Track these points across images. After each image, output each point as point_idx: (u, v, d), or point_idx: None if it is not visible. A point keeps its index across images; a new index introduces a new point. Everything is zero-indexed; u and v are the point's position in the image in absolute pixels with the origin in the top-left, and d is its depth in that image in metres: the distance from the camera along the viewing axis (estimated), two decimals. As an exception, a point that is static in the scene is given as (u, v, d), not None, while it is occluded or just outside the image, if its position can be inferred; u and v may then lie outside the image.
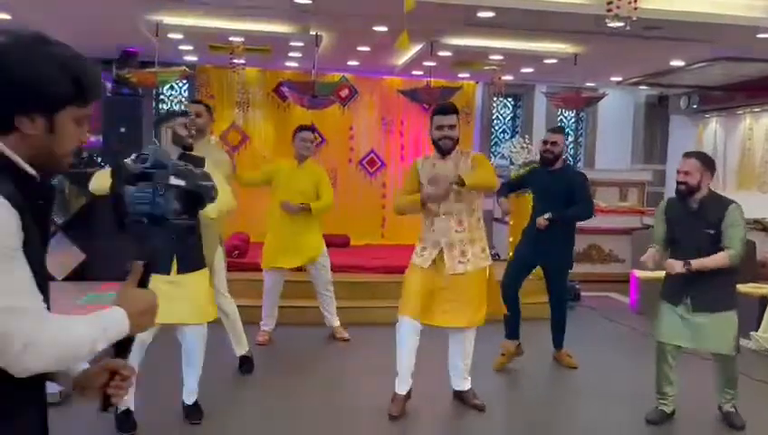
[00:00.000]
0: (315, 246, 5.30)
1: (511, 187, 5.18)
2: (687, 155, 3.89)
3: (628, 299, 7.30)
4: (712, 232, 3.67)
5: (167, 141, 3.48)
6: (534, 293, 5.62)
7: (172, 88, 8.89)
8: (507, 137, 9.70)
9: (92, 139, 8.22)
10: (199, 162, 3.51)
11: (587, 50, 6.70)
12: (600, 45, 6.44)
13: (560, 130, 4.96)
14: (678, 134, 9.62)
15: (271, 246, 5.28)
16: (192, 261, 3.50)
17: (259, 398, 4.19)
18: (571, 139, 10.09)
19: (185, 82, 8.65)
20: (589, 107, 8.57)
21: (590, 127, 9.91)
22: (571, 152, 10.09)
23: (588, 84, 8.94)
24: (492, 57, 7.06)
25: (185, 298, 3.42)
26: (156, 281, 2.86)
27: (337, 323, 5.57)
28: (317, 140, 5.45)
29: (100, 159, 8.23)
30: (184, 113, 3.58)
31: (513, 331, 4.90)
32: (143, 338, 3.44)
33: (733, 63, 6.87)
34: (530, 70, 7.88)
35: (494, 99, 9.65)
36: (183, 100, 8.95)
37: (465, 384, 4.08)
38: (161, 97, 8.94)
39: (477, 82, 9.10)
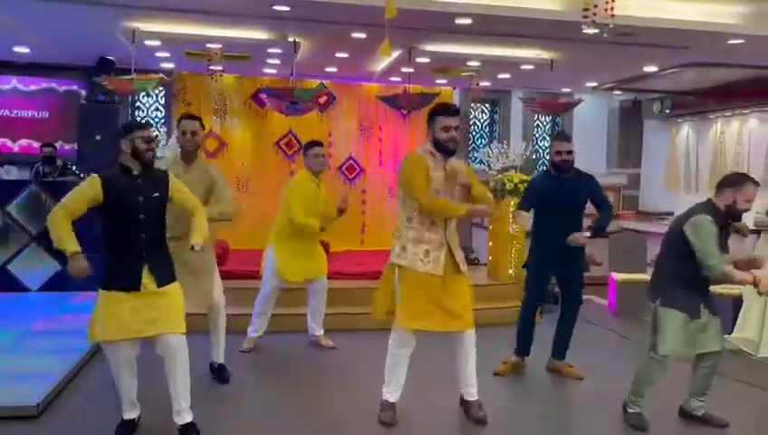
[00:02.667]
0: (324, 262, 5.49)
1: (531, 201, 4.73)
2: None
3: (606, 302, 7.39)
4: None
5: (125, 156, 3.40)
6: (512, 298, 5.67)
7: (148, 95, 8.80)
8: (485, 142, 9.78)
9: (67, 147, 8.13)
10: (162, 176, 3.50)
11: (563, 56, 6.79)
12: (575, 51, 6.53)
13: (570, 137, 4.84)
14: (652, 138, 9.78)
15: (290, 258, 5.23)
16: (167, 273, 3.48)
17: (243, 406, 4.14)
18: (547, 144, 10.20)
19: (161, 89, 8.57)
20: (565, 112, 8.67)
21: (567, 132, 10.01)
22: (548, 157, 10.19)
23: (564, 90, 9.06)
24: (469, 63, 7.12)
25: (165, 310, 3.39)
26: (130, 298, 3.06)
27: (321, 332, 5.56)
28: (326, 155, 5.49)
29: (74, 168, 8.12)
30: (143, 126, 3.49)
31: (526, 347, 4.85)
32: (127, 356, 3.42)
33: (704, 69, 7.01)
34: (507, 76, 7.96)
35: (472, 105, 9.72)
36: (160, 107, 8.88)
37: (471, 395, 3.91)
38: (138, 104, 8.85)
39: (455, 88, 9.16)
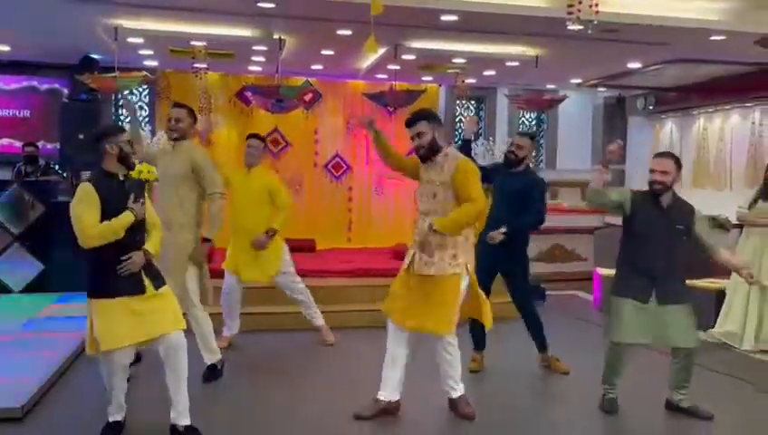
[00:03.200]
0: (275, 259, 5.23)
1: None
2: (663, 155, 4.03)
3: (591, 297, 7.44)
4: (682, 227, 3.87)
5: (110, 160, 3.34)
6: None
7: (132, 93, 8.72)
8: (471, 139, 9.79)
9: (49, 146, 8.04)
10: (141, 181, 3.44)
11: (548, 53, 6.82)
12: (560, 48, 6.56)
13: (529, 135, 4.88)
14: (636, 134, 9.86)
15: (234, 253, 5.25)
16: (159, 275, 3.50)
17: (229, 405, 4.13)
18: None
19: (145, 87, 8.49)
20: (550, 109, 8.72)
21: (551, 128, 10.09)
22: (533, 153, 10.24)
23: (548, 86, 9.11)
24: (455, 60, 7.13)
25: (164, 310, 3.41)
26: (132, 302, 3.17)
27: (321, 322, 5.51)
28: (261, 147, 5.39)
29: (57, 167, 8.03)
30: (123, 129, 3.45)
31: (482, 341, 4.90)
32: (122, 361, 3.40)
33: (687, 65, 7.08)
34: (492, 72, 7.98)
35: (458, 101, 9.74)
36: (145, 106, 8.80)
37: (453, 393, 3.94)
38: (121, 102, 8.76)
39: (440, 85, 9.17)
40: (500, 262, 4.72)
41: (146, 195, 3.49)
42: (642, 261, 3.87)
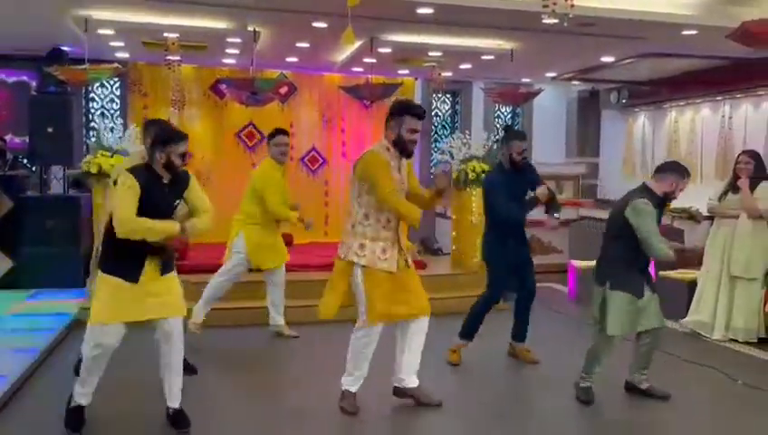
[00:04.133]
0: (285, 249, 5.55)
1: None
2: (686, 174, 4.10)
3: (566, 288, 7.53)
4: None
5: (159, 165, 3.38)
6: (476, 286, 5.72)
7: (103, 86, 8.56)
8: (447, 132, 9.82)
9: (17, 140, 7.85)
10: (185, 179, 3.52)
11: (523, 46, 6.86)
12: (535, 42, 6.60)
13: (525, 135, 5.07)
14: (609, 128, 9.98)
15: (260, 246, 5.30)
16: (169, 265, 3.53)
17: (206, 401, 4.09)
18: (508, 133, 10.31)
19: (117, 79, 8.34)
20: (525, 102, 8.77)
21: (526, 122, 10.15)
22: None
23: (524, 80, 9.16)
24: (431, 53, 7.13)
25: (166, 295, 3.47)
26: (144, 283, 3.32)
27: (283, 321, 5.55)
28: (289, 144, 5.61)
29: (26, 161, 7.86)
30: (181, 138, 3.45)
31: (473, 333, 4.95)
32: (110, 341, 3.40)
33: (659, 59, 7.18)
34: (468, 66, 7.99)
35: (434, 95, 9.74)
36: (116, 98, 8.64)
37: (415, 380, 4.00)
38: (92, 95, 8.60)
39: (417, 79, 9.17)
40: (520, 254, 4.88)
41: (189, 185, 3.53)
42: (641, 259, 4.02)
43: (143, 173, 3.36)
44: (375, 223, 3.76)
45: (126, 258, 3.35)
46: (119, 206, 3.29)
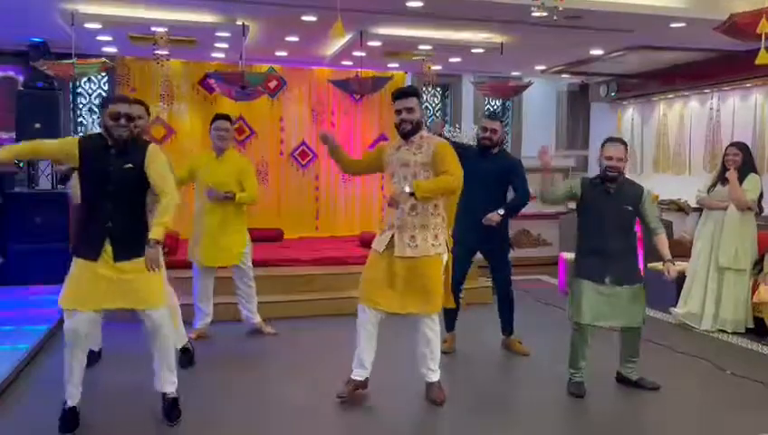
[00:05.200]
0: (241, 243, 5.14)
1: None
2: (617, 141, 4.15)
3: (556, 280, 7.57)
4: (630, 208, 4.08)
5: (104, 127, 3.41)
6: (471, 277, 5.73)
7: (91, 81, 8.49)
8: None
9: (5, 136, 7.77)
10: (142, 147, 3.44)
11: (512, 39, 6.86)
12: (524, 35, 6.60)
13: (498, 117, 4.88)
14: (599, 121, 10.02)
15: (197, 242, 5.10)
16: (132, 247, 3.37)
17: (199, 395, 4.08)
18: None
19: (105, 74, 8.27)
20: (515, 96, 8.78)
21: (516, 115, 10.17)
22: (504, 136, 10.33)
23: (514, 73, 9.17)
24: (421, 47, 7.12)
25: (140, 283, 3.37)
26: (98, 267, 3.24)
27: (258, 318, 5.40)
28: (234, 129, 5.29)
29: (13, 157, 7.79)
30: (118, 99, 3.46)
31: (452, 323, 4.96)
32: (82, 328, 3.33)
33: (648, 52, 7.20)
34: (458, 60, 7.99)
35: (424, 89, 9.74)
36: (104, 93, 8.57)
37: (430, 375, 3.95)
38: (79, 90, 8.53)
39: (407, 73, 9.16)
40: (482, 242, 4.77)
41: (147, 156, 3.40)
42: (595, 243, 4.05)
43: (90, 138, 3.49)
44: (387, 207, 3.85)
45: (86, 236, 3.35)
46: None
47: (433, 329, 3.88)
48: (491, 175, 4.67)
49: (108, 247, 3.32)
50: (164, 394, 3.60)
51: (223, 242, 5.04)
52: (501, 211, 4.63)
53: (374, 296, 3.82)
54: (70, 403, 3.45)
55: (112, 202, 3.33)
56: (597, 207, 4.08)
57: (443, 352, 4.71)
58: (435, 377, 3.96)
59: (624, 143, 4.15)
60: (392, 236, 3.80)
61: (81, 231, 3.40)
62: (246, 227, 5.24)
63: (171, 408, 3.58)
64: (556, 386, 4.25)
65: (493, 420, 3.79)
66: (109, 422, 3.62)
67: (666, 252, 4.13)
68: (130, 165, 3.36)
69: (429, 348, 3.90)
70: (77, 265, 3.35)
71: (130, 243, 3.36)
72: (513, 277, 7.48)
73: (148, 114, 4.33)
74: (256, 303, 5.36)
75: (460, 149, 4.61)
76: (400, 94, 3.82)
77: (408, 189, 3.61)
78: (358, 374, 3.94)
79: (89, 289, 3.31)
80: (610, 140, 4.18)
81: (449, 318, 4.95)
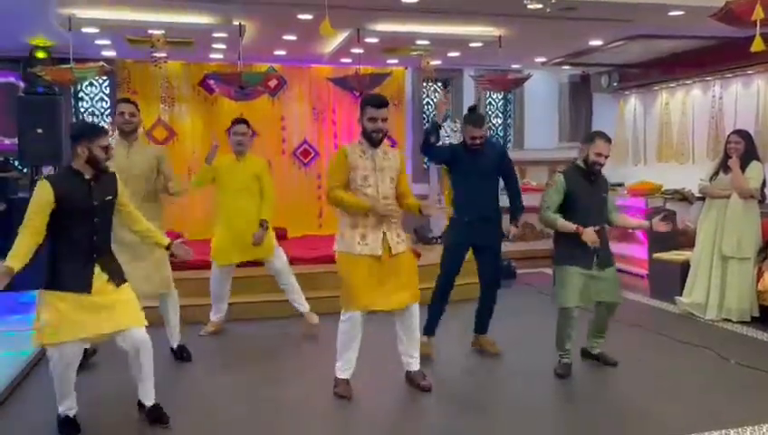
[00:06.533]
0: (269, 242, 5.36)
1: (433, 153, 4.83)
2: (606, 138, 4.32)
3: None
4: (605, 196, 4.44)
5: (81, 161, 3.35)
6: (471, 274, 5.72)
7: (92, 85, 8.53)
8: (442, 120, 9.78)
9: (7, 141, 7.83)
10: (112, 177, 3.51)
11: (510, 32, 6.83)
12: (522, 27, 6.57)
13: (483, 120, 4.77)
14: (601, 112, 9.95)
15: (224, 241, 5.32)
16: (118, 272, 3.49)
17: (204, 393, 4.11)
18: (500, 121, 10.29)
19: (105, 78, 8.31)
20: (516, 88, 8.74)
21: (518, 108, 10.13)
22: (501, 134, 10.30)
23: (514, 66, 9.12)
24: (418, 42, 7.10)
25: (122, 306, 3.41)
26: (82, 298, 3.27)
27: (306, 307, 5.57)
28: (249, 133, 5.47)
29: (16, 163, 7.84)
30: (102, 133, 3.41)
31: (434, 326, 4.83)
32: (70, 358, 3.36)
33: (648, 41, 7.14)
34: (456, 54, 7.96)
35: (425, 84, 9.72)
36: (105, 97, 8.61)
37: (415, 364, 4.13)
38: (81, 95, 8.56)
39: (407, 68, 9.14)
40: (478, 238, 4.70)
41: (118, 185, 3.54)
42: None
43: (60, 176, 3.43)
44: (349, 213, 3.91)
45: (72, 270, 3.27)
46: (27, 214, 3.31)
47: (417, 316, 4.07)
48: (483, 170, 4.68)
49: (101, 277, 3.36)
50: (151, 405, 3.60)
51: (251, 240, 5.22)
52: (520, 225, 4.97)
53: (370, 299, 3.86)
54: (70, 414, 3.48)
55: (97, 234, 3.38)
56: (582, 197, 4.31)
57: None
58: (418, 364, 4.14)
59: (609, 139, 4.36)
60: (383, 237, 3.89)
61: (63, 266, 3.28)
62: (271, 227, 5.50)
63: (160, 413, 3.60)
64: (549, 376, 4.28)
65: (483, 411, 3.79)
66: (109, 423, 3.66)
67: (637, 220, 4.52)
68: (110, 196, 3.46)
69: (414, 336, 4.09)
70: (57, 299, 3.27)
71: (117, 267, 3.48)
72: (518, 271, 7.61)
73: (138, 110, 4.62)
74: (300, 294, 5.58)
75: (454, 150, 4.80)
76: (378, 103, 3.91)
77: (419, 210, 3.97)
78: (347, 373, 4.03)
79: (75, 319, 3.27)
80: (601, 136, 4.30)
81: (436, 321, 4.85)
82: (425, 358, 4.45)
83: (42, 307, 3.31)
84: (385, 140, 4.03)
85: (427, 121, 9.88)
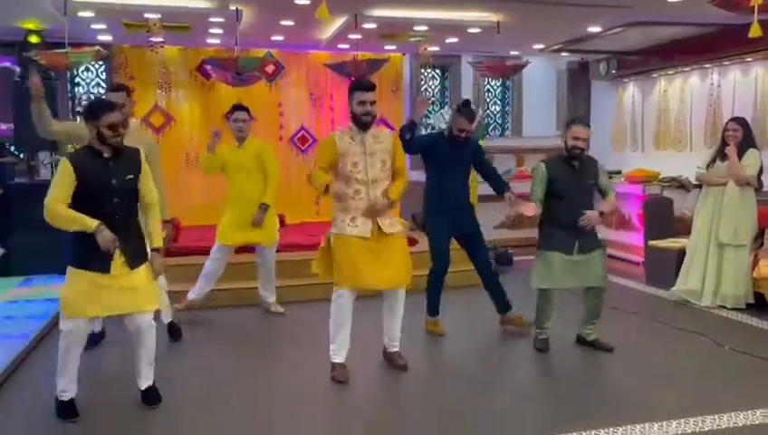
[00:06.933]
0: (273, 226, 5.46)
1: (411, 145, 4.77)
2: (582, 123, 4.47)
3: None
4: (592, 182, 4.48)
5: (94, 140, 3.38)
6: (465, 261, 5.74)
7: (88, 70, 8.48)
8: (437, 108, 9.77)
9: (3, 127, 7.79)
10: (135, 156, 3.52)
11: (509, 18, 6.80)
12: (520, 13, 6.54)
13: (475, 116, 4.97)
14: (600, 99, 9.93)
15: (230, 222, 5.36)
16: (139, 254, 3.50)
17: (196, 376, 4.13)
18: (498, 108, 10.27)
19: (101, 63, 8.27)
20: (514, 75, 8.71)
21: (516, 95, 10.10)
22: (499, 121, 10.28)
23: (512, 52, 9.09)
24: (416, 28, 7.06)
25: (136, 289, 3.44)
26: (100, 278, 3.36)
27: (273, 298, 5.65)
28: (249, 119, 5.49)
29: (12, 148, 7.82)
30: (110, 108, 3.40)
31: (436, 306, 5.05)
32: (80, 335, 3.44)
33: (647, 28, 7.12)
34: (455, 40, 7.93)
35: (423, 70, 9.68)
36: (102, 82, 8.57)
37: (396, 345, 4.29)
38: (77, 80, 8.52)
39: (404, 54, 9.10)
40: (460, 226, 4.95)
41: (141, 165, 3.52)
42: (565, 217, 4.36)
43: (80, 154, 3.40)
44: (344, 197, 4.01)
45: (93, 249, 3.28)
46: (49, 191, 3.29)
47: (402, 300, 4.19)
48: (461, 160, 4.93)
49: (119, 258, 3.38)
50: (146, 387, 3.65)
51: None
52: (510, 193, 4.92)
53: (359, 278, 3.98)
54: (65, 397, 3.49)
55: (118, 213, 3.39)
56: (564, 184, 4.37)
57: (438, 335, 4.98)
58: (397, 346, 4.30)
59: (587, 124, 4.48)
60: (372, 220, 3.99)
61: (85, 245, 3.30)
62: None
63: (154, 395, 3.65)
64: (564, 355, 4.39)
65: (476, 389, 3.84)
66: (108, 404, 3.68)
67: (606, 208, 4.48)
68: (131, 176, 3.46)
69: (397, 319, 4.23)
70: (79, 276, 3.35)
71: (137, 249, 3.49)
72: (514, 258, 7.62)
73: (129, 97, 4.49)
74: (273, 286, 5.66)
75: (434, 139, 4.98)
76: (366, 87, 3.98)
77: (385, 200, 3.99)
78: (342, 357, 4.11)
79: (92, 297, 3.35)
80: (578, 121, 4.48)
81: (437, 303, 5.05)
82: (435, 337, 4.90)
83: (67, 282, 3.40)
84: (377, 124, 4.09)
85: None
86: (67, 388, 3.49)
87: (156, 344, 3.65)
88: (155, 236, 3.58)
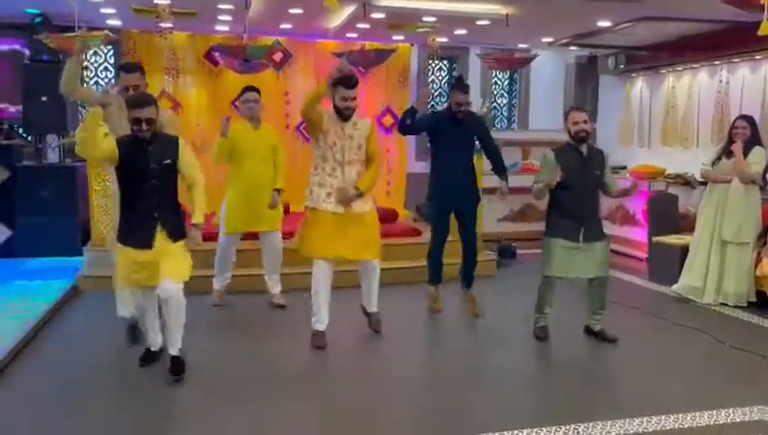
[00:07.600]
0: (277, 213, 5.49)
1: (414, 126, 5.16)
2: (579, 109, 4.61)
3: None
4: (599, 173, 4.55)
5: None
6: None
7: (96, 54, 8.50)
8: (444, 100, 9.75)
9: (12, 109, 7.83)
10: (173, 142, 3.79)
11: (518, 11, 6.77)
12: (530, 6, 6.51)
13: (469, 88, 5.27)
14: (608, 94, 9.90)
15: (236, 208, 5.33)
16: (179, 229, 3.81)
17: (209, 361, 4.18)
18: (505, 100, 10.25)
19: (110, 47, 8.27)
20: (521, 67, 8.69)
21: (524, 88, 10.07)
22: (506, 114, 10.26)
23: (520, 45, 9.06)
24: (425, 18, 7.04)
25: (167, 259, 3.71)
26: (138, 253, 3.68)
27: (278, 289, 5.62)
28: (260, 100, 5.55)
29: (21, 130, 7.85)
30: (138, 103, 3.66)
31: (438, 276, 5.42)
32: (136, 300, 3.91)
33: (655, 24, 7.08)
34: (463, 32, 7.91)
35: (430, 62, 9.66)
36: (110, 67, 8.58)
37: (373, 306, 4.76)
38: (85, 64, 8.52)
39: (413, 45, 9.07)
40: (460, 201, 5.21)
41: (180, 150, 3.77)
42: (571, 206, 4.44)
43: (125, 138, 3.69)
44: (322, 172, 4.43)
45: (134, 228, 3.65)
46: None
47: (376, 271, 4.65)
48: (463, 137, 5.15)
49: (160, 234, 3.67)
50: (172, 356, 3.88)
51: (263, 209, 5.29)
52: (506, 187, 5.26)
53: (331, 248, 4.36)
54: (152, 348, 4.01)
55: (157, 195, 3.67)
56: (574, 173, 4.41)
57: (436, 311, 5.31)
58: (374, 308, 4.74)
59: (585, 109, 4.60)
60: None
61: (127, 224, 3.72)
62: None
63: (179, 364, 3.85)
64: (563, 348, 4.44)
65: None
66: (134, 379, 3.82)
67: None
68: (168, 160, 3.70)
69: (372, 288, 4.69)
70: (121, 251, 3.75)
71: (176, 226, 3.76)
72: (519, 251, 7.65)
73: (143, 76, 4.49)
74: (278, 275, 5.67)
75: (436, 119, 5.24)
76: (350, 85, 4.34)
77: (355, 191, 4.37)
78: (322, 325, 4.50)
79: (130, 271, 3.74)
80: (574, 108, 4.65)
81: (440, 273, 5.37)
82: (433, 329, 5.12)
83: (117, 258, 3.81)
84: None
85: (432, 99, 9.87)
86: (152, 338, 3.97)
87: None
88: (197, 212, 3.85)
